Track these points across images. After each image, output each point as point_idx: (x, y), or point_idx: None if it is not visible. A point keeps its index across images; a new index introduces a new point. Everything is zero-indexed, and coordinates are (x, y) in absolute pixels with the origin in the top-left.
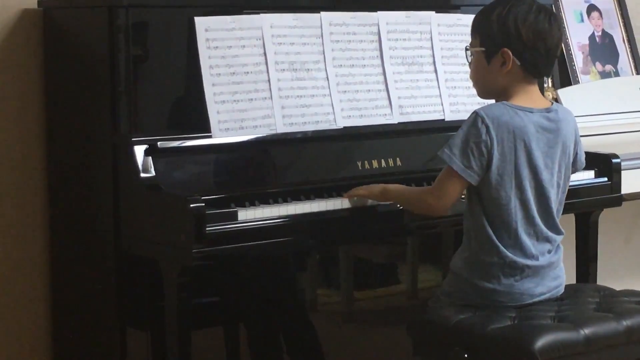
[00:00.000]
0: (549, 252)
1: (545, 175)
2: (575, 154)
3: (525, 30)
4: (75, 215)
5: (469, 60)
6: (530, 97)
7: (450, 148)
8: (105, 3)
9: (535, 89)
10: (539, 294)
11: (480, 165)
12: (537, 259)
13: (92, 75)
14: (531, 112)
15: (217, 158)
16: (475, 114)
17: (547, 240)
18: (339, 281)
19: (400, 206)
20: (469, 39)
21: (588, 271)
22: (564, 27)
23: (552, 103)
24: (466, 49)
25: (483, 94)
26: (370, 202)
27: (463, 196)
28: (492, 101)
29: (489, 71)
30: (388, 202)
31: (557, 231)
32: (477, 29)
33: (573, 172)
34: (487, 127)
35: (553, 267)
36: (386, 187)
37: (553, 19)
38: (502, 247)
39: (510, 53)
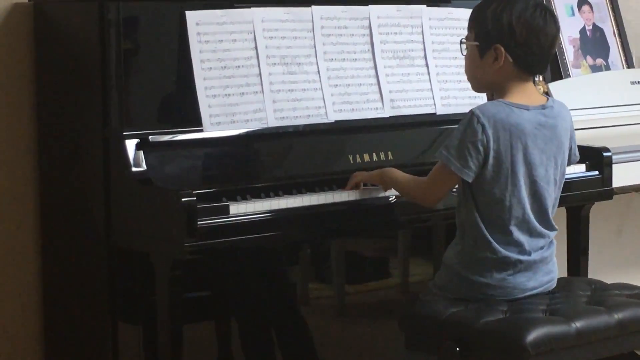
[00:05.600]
0: (542, 247)
1: (540, 171)
2: (570, 148)
3: (520, 27)
4: (66, 210)
5: (464, 54)
6: (525, 94)
7: (448, 149)
8: None
9: (530, 85)
10: (532, 288)
11: (477, 163)
12: (529, 254)
13: (83, 69)
14: (527, 110)
15: (209, 152)
16: (471, 113)
17: (541, 235)
18: (330, 275)
19: (396, 193)
20: (460, 32)
21: (579, 265)
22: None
23: (548, 99)
24: (461, 42)
25: (476, 87)
26: (362, 195)
27: (455, 189)
28: (484, 96)
29: (482, 66)
30: (380, 196)
31: (551, 227)
32: (472, 23)
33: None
34: (483, 126)
35: (546, 262)
36: (384, 170)
37: (549, 16)
38: (494, 243)
39: (503, 49)
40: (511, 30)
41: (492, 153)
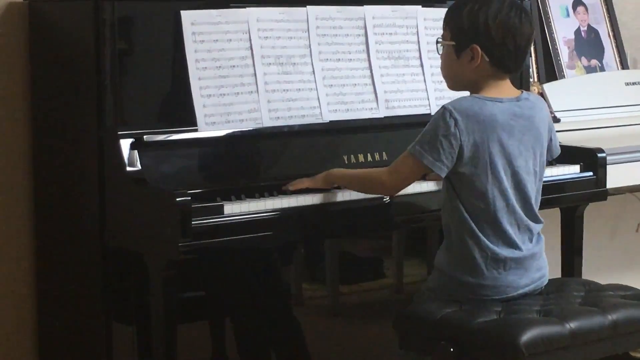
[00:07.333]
0: (530, 241)
1: (520, 162)
2: (550, 140)
3: (496, 27)
4: (60, 209)
5: (440, 53)
6: (499, 90)
7: (421, 144)
8: None
9: (505, 82)
10: (524, 285)
11: (451, 158)
12: (519, 248)
13: (78, 68)
14: (501, 102)
15: (203, 152)
16: (443, 108)
17: (528, 229)
18: (324, 275)
19: (351, 188)
20: None
21: (573, 265)
22: (550, 22)
23: (522, 92)
24: (437, 42)
25: (452, 86)
26: (355, 196)
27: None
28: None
29: (458, 65)
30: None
31: (536, 220)
32: (448, 23)
33: (549, 159)
34: (456, 120)
35: (536, 258)
36: (329, 172)
37: (524, 16)
38: (483, 238)
39: (480, 49)
40: (488, 30)
41: (467, 146)
